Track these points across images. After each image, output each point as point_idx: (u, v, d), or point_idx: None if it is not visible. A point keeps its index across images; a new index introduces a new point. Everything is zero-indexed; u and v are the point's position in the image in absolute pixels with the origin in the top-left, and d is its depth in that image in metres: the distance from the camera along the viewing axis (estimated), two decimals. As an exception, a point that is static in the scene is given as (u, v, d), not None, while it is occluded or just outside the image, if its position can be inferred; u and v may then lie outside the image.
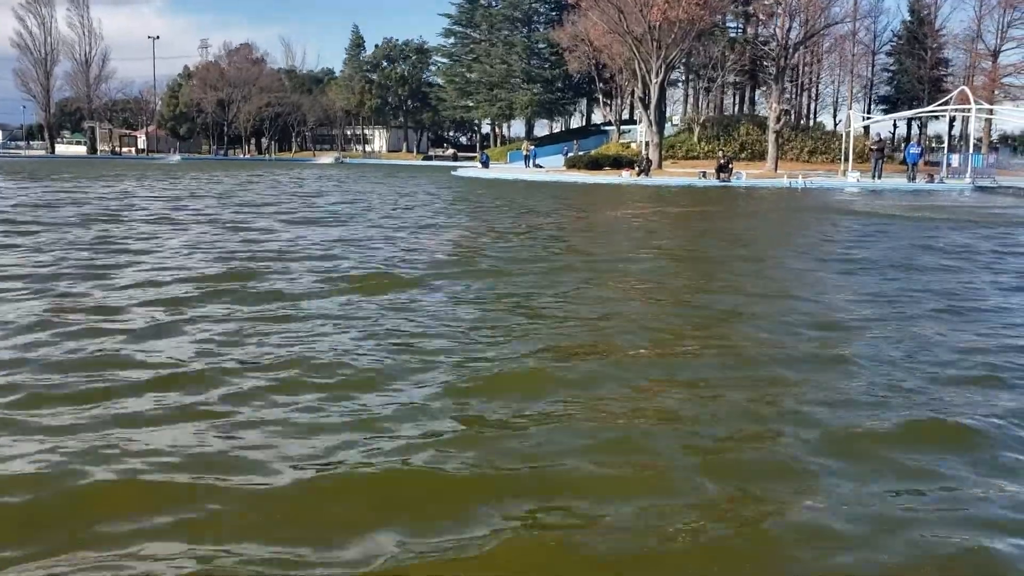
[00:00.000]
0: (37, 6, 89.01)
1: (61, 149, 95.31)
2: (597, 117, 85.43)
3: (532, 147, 60.04)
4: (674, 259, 11.09)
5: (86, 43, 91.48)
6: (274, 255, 10.05)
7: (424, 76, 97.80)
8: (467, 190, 30.01)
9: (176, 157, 75.52)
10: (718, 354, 5.43)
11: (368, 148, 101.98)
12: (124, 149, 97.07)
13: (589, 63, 58.40)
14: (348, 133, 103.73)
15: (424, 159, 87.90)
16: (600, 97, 70.20)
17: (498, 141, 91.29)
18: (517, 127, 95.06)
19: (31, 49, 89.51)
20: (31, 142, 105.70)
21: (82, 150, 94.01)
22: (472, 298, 7.25)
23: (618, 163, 46.10)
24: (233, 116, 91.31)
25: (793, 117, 57.77)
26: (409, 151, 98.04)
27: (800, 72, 59.73)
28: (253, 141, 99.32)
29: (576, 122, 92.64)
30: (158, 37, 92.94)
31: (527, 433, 3.93)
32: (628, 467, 3.55)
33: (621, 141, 62.82)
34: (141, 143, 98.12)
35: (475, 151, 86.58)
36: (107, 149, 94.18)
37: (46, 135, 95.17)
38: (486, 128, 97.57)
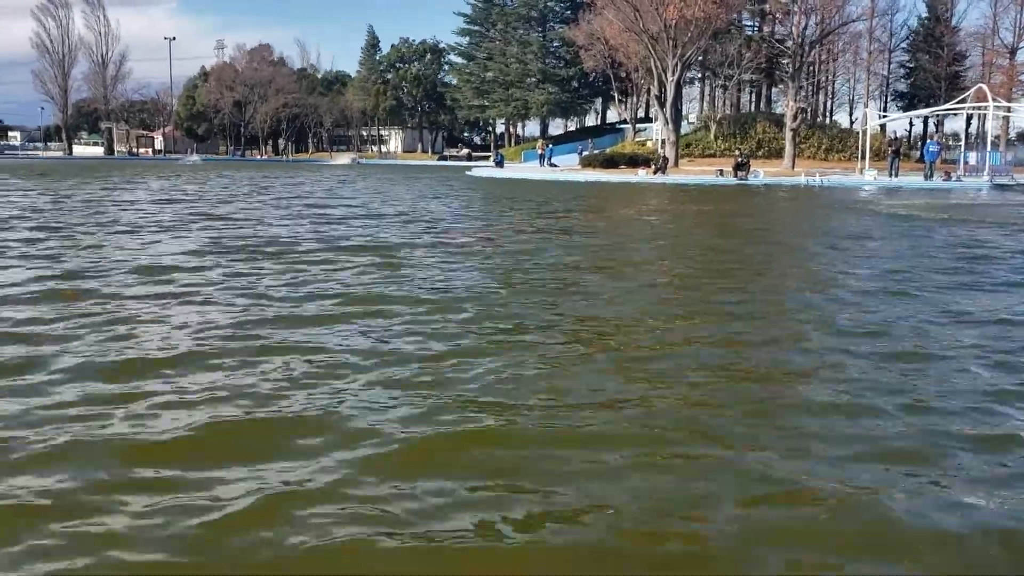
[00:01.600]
0: (55, 7, 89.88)
1: (79, 150, 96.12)
2: (613, 116, 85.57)
3: (547, 146, 60.07)
4: (699, 259, 11.14)
5: (103, 44, 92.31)
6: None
7: (439, 76, 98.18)
8: (483, 190, 30.10)
9: (195, 158, 75.94)
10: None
11: (384, 149, 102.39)
12: (141, 150, 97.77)
13: (605, 62, 58.44)
14: (364, 134, 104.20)
15: (439, 159, 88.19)
16: (616, 95, 70.24)
17: (512, 140, 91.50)
18: (532, 127, 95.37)
19: (49, 50, 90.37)
20: (48, 143, 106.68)
21: (99, 151, 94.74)
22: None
23: (634, 161, 46.10)
24: (250, 117, 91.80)
25: (809, 115, 57.66)
26: (424, 151, 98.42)
27: (816, 70, 59.60)
28: (270, 142, 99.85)
29: (591, 121, 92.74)
30: (174, 38, 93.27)
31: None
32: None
33: (637, 139, 62.85)
34: (158, 144, 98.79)
35: (489, 151, 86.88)
36: (124, 150, 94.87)
37: (64, 136, 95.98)
38: (500, 128, 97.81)
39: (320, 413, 4.02)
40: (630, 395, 4.39)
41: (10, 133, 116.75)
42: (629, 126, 68.69)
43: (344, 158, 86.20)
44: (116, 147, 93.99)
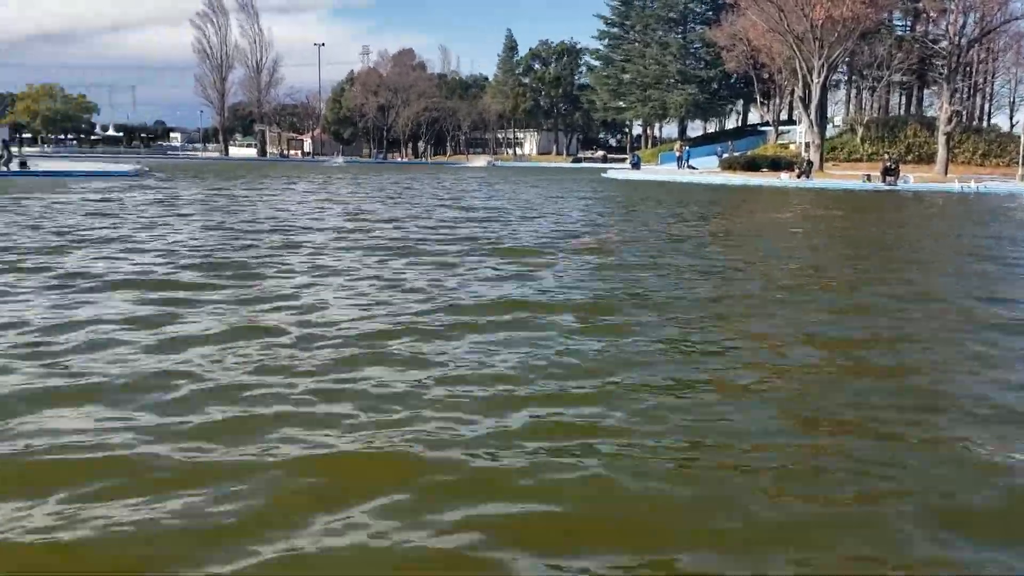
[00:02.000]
0: (213, 14, 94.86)
1: (233, 151, 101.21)
2: (754, 117, 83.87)
3: (685, 148, 59.43)
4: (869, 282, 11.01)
5: (257, 51, 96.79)
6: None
7: (575, 78, 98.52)
8: (620, 192, 30.19)
9: (340, 160, 78.98)
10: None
11: (518, 151, 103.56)
12: (291, 152, 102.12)
13: (747, 63, 57.39)
14: (499, 136, 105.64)
15: (573, 161, 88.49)
16: (757, 97, 68.76)
17: (649, 142, 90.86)
18: (669, 129, 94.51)
19: (208, 56, 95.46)
20: (207, 144, 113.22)
21: (252, 152, 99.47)
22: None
23: (776, 165, 45.19)
24: (392, 120, 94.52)
25: (965, 118, 54.91)
26: (559, 153, 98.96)
27: (974, 71, 56.66)
28: (410, 145, 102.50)
29: (731, 123, 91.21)
30: (323, 44, 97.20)
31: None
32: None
33: (779, 142, 61.47)
34: (307, 146, 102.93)
35: (624, 153, 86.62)
36: (276, 152, 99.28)
37: (220, 138, 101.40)
38: (637, 129, 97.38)
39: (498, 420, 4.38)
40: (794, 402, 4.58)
41: (171, 134, 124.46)
42: (771, 128, 67.23)
43: (480, 160, 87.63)
44: (268, 149, 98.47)
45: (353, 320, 6.41)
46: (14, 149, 42.40)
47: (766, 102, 70.47)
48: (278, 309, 6.79)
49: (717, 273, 9.53)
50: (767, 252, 12.21)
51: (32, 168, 35.89)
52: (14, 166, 34.95)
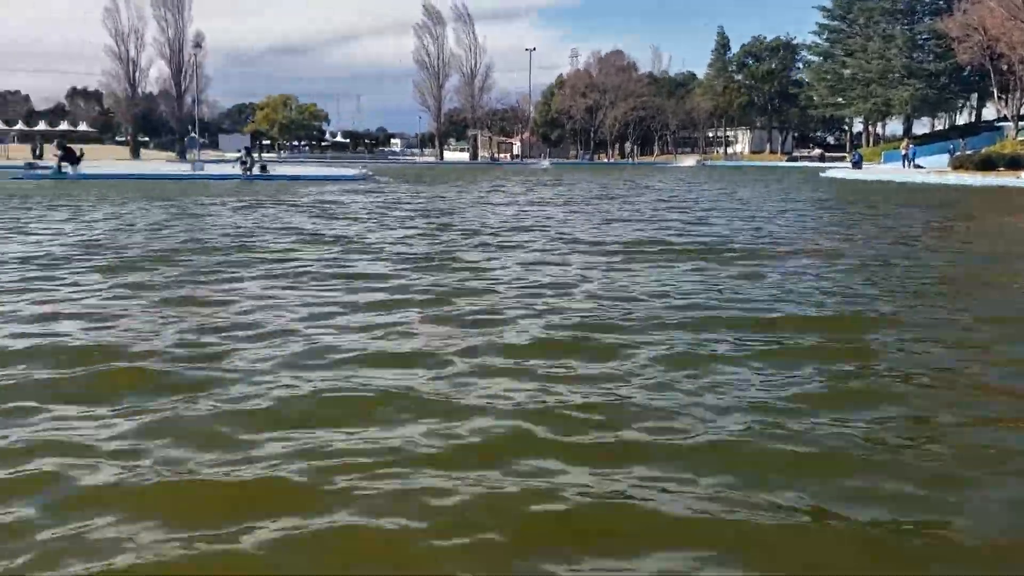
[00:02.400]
0: (432, 24, 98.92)
1: (448, 156, 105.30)
2: (989, 113, 77.96)
3: (911, 146, 56.06)
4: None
5: (471, 58, 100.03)
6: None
7: (790, 74, 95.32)
8: (846, 193, 28.96)
9: (546, 163, 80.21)
10: None
11: (730, 150, 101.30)
12: (500, 155, 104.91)
13: (982, 54, 53.50)
14: (709, 135, 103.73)
15: (788, 160, 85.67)
16: (994, 91, 63.70)
17: (871, 140, 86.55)
18: (892, 125, 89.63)
19: (427, 64, 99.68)
20: (423, 149, 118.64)
21: (465, 156, 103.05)
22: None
23: (1015, 163, 41.68)
24: (600, 121, 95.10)
25: None
26: (772, 152, 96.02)
27: None
28: (616, 146, 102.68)
29: (963, 118, 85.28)
30: (534, 49, 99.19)
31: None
32: None
33: (1019, 139, 56.62)
34: (516, 149, 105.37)
35: (843, 151, 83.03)
36: (487, 155, 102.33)
37: (436, 143, 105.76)
38: (857, 127, 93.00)
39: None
40: None
41: (392, 140, 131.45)
42: (1010, 124, 62.04)
43: (689, 160, 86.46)
44: (479, 153, 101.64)
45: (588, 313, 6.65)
46: (255, 155, 46.26)
47: (1004, 96, 65.12)
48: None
49: (963, 288, 9.02)
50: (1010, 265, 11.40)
51: (271, 172, 39.21)
52: (256, 170, 38.35)
